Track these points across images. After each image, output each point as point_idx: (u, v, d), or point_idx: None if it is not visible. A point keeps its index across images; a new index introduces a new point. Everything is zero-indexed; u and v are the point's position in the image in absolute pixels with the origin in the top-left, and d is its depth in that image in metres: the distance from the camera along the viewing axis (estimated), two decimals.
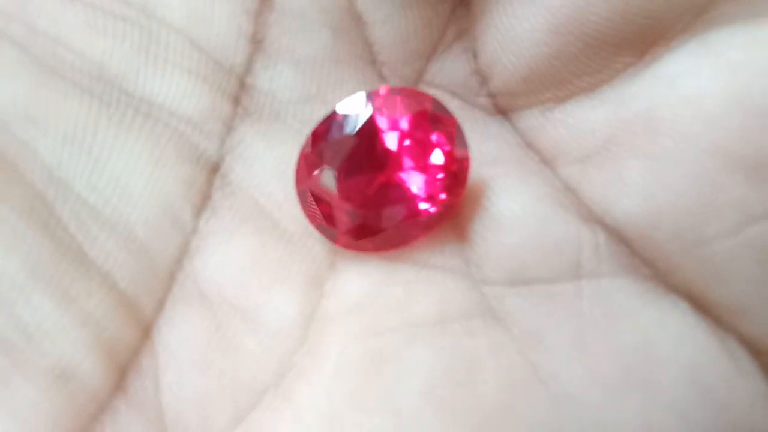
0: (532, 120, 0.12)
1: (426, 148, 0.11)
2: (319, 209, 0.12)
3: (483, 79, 0.12)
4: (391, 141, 0.11)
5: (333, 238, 0.12)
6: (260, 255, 0.12)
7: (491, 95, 0.12)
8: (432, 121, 0.11)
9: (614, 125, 0.11)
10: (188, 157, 0.12)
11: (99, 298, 0.11)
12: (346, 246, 0.12)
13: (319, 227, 0.12)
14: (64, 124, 0.11)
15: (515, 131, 0.12)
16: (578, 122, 0.11)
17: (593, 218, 0.11)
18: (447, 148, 0.11)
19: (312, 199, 0.12)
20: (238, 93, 0.12)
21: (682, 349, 0.11)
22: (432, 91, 0.12)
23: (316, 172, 0.12)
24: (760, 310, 0.11)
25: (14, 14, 0.11)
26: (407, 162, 0.11)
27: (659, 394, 0.10)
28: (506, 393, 0.11)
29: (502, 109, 0.12)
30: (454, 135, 0.11)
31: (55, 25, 0.11)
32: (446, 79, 0.13)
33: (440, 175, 0.11)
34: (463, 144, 0.11)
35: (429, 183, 0.11)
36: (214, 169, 0.12)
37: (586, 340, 0.11)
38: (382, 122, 0.11)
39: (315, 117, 0.12)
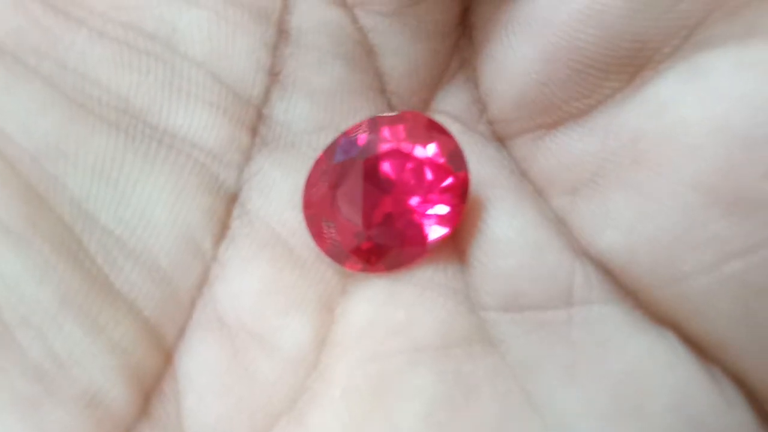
0: (524, 149, 0.12)
1: (427, 169, 0.12)
2: (327, 232, 0.12)
3: (483, 107, 0.13)
4: (393, 164, 0.12)
5: (341, 261, 0.12)
6: (276, 281, 0.12)
7: (490, 122, 0.13)
8: (432, 141, 0.12)
9: (602, 156, 0.11)
10: (209, 187, 0.12)
11: (125, 327, 0.11)
12: (355, 268, 0.12)
13: (327, 250, 0.12)
14: (92, 158, 0.11)
15: (511, 159, 0.13)
16: (568, 152, 0.12)
17: (581, 250, 0.11)
18: (447, 168, 0.12)
19: (319, 222, 0.12)
20: (256, 124, 0.13)
21: (671, 378, 0.11)
22: (436, 118, 0.13)
23: (322, 196, 0.12)
24: (740, 345, 0.10)
25: (45, 52, 0.12)
26: (409, 184, 0.12)
27: (650, 423, 0.10)
28: (502, 421, 0.11)
29: (500, 136, 0.13)
30: (453, 155, 0.12)
31: (84, 62, 0.12)
32: (450, 107, 0.13)
33: (442, 195, 0.12)
34: (463, 163, 0.12)
35: (431, 203, 0.12)
36: (232, 198, 0.12)
37: (577, 369, 0.11)
38: (384, 146, 0.12)
39: None
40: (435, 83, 0.13)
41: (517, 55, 0.12)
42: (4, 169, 0.11)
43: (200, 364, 0.12)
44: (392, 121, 0.12)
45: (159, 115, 0.12)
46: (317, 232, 0.12)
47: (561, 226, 0.12)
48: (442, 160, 0.12)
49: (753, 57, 0.10)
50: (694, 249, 0.10)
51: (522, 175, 0.12)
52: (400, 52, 0.13)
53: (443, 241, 0.12)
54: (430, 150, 0.12)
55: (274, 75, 0.13)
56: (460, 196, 0.12)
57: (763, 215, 0.10)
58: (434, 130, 0.12)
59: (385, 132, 0.12)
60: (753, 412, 0.11)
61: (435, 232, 0.12)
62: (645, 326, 0.11)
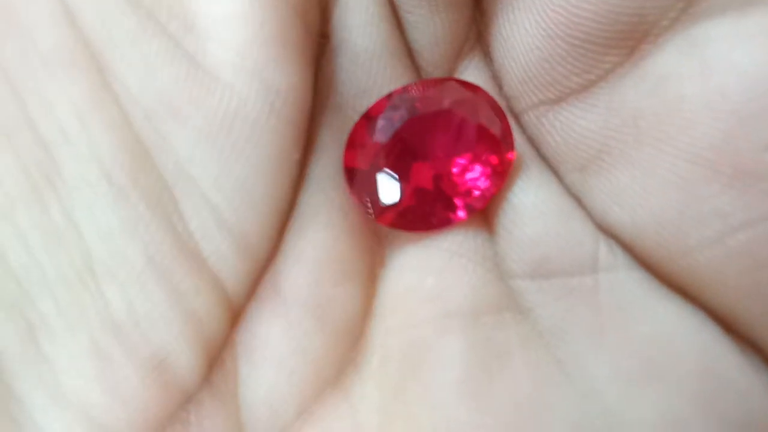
0: (532, 126, 0.12)
1: (473, 138, 0.12)
2: (364, 187, 0.12)
3: (499, 82, 0.13)
4: (438, 128, 0.12)
5: (375, 216, 0.12)
6: (330, 250, 0.12)
7: (506, 98, 0.13)
8: (481, 111, 0.12)
9: (605, 134, 0.11)
10: (303, 160, 0.12)
11: (205, 297, 0.11)
12: (389, 225, 0.12)
13: (361, 205, 0.12)
14: (201, 120, 0.11)
15: (525, 135, 0.13)
16: (573, 130, 0.12)
17: (596, 224, 0.12)
18: (495, 140, 0.12)
19: (357, 176, 0.12)
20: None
21: (697, 341, 0.11)
22: None
23: (363, 154, 0.12)
24: (753, 316, 0.11)
25: (175, 12, 0.11)
26: (453, 150, 0.12)
27: (678, 385, 0.11)
28: (536, 387, 0.11)
29: (514, 112, 0.13)
30: (501, 129, 0.12)
31: (206, 20, 0.11)
32: (472, 80, 0.13)
33: (484, 166, 0.12)
34: (509, 136, 0.12)
35: (472, 172, 0.12)
36: (304, 165, 0.12)
37: (605, 334, 0.11)
38: (431, 109, 0.12)
39: None
40: (456, 55, 0.13)
41: (521, 32, 0.12)
42: (118, 118, 0.11)
43: (257, 338, 0.11)
44: (440, 86, 0.12)
45: (273, 71, 0.11)
46: (354, 186, 0.12)
47: (578, 200, 0.12)
48: (488, 129, 0.12)
49: (750, 28, 0.10)
50: (697, 223, 0.10)
51: (536, 150, 0.12)
52: (421, 25, 0.13)
53: (478, 210, 0.12)
54: (477, 118, 0.12)
55: (324, 37, 0.12)
56: (502, 166, 0.12)
57: (762, 188, 0.10)
58: (484, 101, 0.12)
59: (434, 95, 0.12)
60: None
61: (472, 201, 0.12)
62: (668, 293, 0.11)
